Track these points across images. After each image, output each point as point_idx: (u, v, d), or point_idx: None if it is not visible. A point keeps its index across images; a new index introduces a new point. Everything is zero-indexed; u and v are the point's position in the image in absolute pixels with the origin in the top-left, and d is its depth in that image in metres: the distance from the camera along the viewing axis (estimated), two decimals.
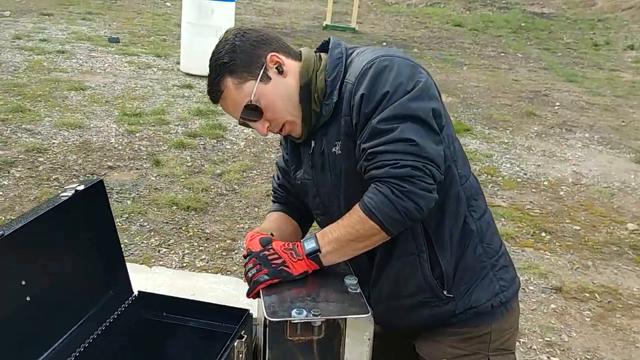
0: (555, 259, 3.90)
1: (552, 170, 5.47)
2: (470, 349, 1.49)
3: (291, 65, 1.41)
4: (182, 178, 4.64)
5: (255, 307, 1.36)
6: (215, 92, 1.41)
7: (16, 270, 1.04)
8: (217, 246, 3.72)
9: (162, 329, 1.29)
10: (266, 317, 1.23)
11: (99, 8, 11.85)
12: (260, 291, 1.31)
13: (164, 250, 3.63)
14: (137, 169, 4.73)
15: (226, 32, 1.43)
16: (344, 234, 1.32)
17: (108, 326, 1.21)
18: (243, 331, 1.19)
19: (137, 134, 5.41)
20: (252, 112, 1.39)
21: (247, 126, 1.45)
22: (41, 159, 4.70)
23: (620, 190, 5.15)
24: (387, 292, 1.48)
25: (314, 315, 1.24)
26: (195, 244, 3.74)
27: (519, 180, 5.16)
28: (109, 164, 4.73)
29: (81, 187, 1.15)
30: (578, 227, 4.37)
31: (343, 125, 1.37)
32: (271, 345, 1.26)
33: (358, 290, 1.35)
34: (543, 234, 4.22)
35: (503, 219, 4.35)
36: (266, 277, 1.33)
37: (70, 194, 1.12)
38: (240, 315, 1.21)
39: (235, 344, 1.15)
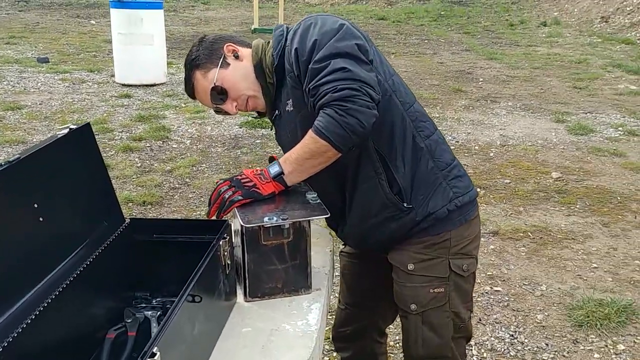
0: (491, 208, 4.26)
1: (481, 136, 5.89)
2: (432, 254, 1.69)
3: (245, 52, 1.68)
4: (133, 178, 4.77)
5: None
6: (189, 86, 1.70)
7: (27, 192, 1.23)
8: None
9: (152, 247, 1.48)
10: (243, 224, 1.45)
11: (21, 32, 11.69)
12: (235, 209, 1.53)
13: None
14: None
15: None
16: (301, 154, 1.55)
17: (104, 250, 1.38)
18: (225, 234, 1.40)
19: None
20: (218, 95, 1.64)
21: (220, 112, 1.70)
22: None
23: (544, 146, 5.61)
24: (358, 217, 1.69)
25: (282, 219, 1.47)
26: None
27: (452, 147, 5.49)
28: None
29: (74, 127, 1.34)
30: (508, 181, 4.76)
31: (289, 81, 1.60)
32: (249, 250, 1.48)
33: (318, 201, 1.58)
34: (478, 190, 4.57)
35: None
36: (240, 197, 1.54)
37: (65, 132, 1.32)
38: (221, 225, 1.43)
39: (221, 243, 1.37)
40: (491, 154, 5.39)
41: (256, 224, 1.46)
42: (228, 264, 1.41)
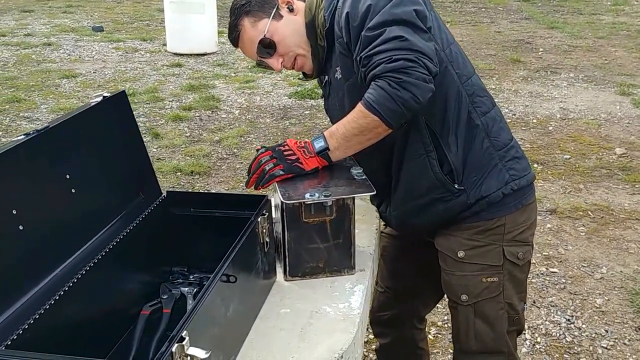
0: (548, 185, 4.06)
1: (540, 109, 5.62)
2: (485, 241, 1.56)
3: (300, 5, 1.54)
4: (182, 147, 4.77)
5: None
6: (233, 33, 1.56)
7: (58, 163, 1.18)
8: None
9: (190, 222, 1.42)
10: (283, 201, 1.37)
11: (77, 1, 11.84)
12: (275, 183, 1.45)
13: None
14: None
15: None
16: (349, 130, 1.43)
17: (139, 223, 1.33)
18: (264, 210, 1.33)
19: (134, 112, 5.50)
20: (266, 48, 1.52)
21: (263, 66, 1.57)
22: None
23: (607, 120, 5.30)
24: (403, 196, 1.57)
25: (325, 196, 1.38)
26: None
27: (508, 120, 5.27)
28: None
29: (108, 94, 1.29)
30: (568, 156, 4.52)
31: (338, 47, 1.48)
32: (289, 227, 1.40)
33: (363, 177, 1.48)
34: (535, 165, 4.37)
35: None
36: (281, 172, 1.45)
37: (99, 100, 1.26)
38: (260, 200, 1.35)
39: (259, 219, 1.29)
40: (550, 128, 5.13)
41: (297, 200, 1.37)
42: (267, 242, 1.34)
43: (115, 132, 1.33)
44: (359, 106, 1.40)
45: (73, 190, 1.20)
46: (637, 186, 4.03)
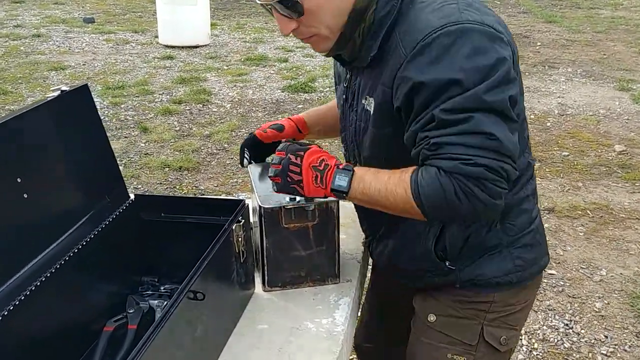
0: (546, 183, 3.96)
1: (538, 104, 5.51)
2: (463, 312, 1.31)
3: None
4: (171, 142, 4.65)
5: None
6: None
7: (7, 165, 1.06)
8: None
9: (160, 228, 1.31)
10: (260, 205, 1.26)
11: None
12: (253, 183, 1.33)
13: None
14: (125, 137, 4.72)
15: None
16: (381, 198, 1.16)
17: (104, 228, 1.22)
18: (240, 216, 1.21)
19: (122, 105, 5.38)
20: (290, 7, 1.13)
21: (268, 11, 1.18)
22: None
23: (606, 116, 5.20)
24: (391, 248, 1.36)
25: (306, 200, 1.27)
26: None
27: None
28: None
29: (67, 88, 1.16)
30: (567, 153, 4.42)
31: (379, 92, 1.17)
32: (268, 233, 1.29)
33: None
34: None
35: None
36: (275, 188, 1.21)
37: (56, 94, 1.14)
38: (236, 206, 1.24)
39: (234, 227, 1.18)
40: (548, 124, 5.03)
41: (276, 205, 1.26)
42: (243, 252, 1.23)
43: (76, 131, 1.20)
44: (407, 185, 1.11)
45: (25, 195, 1.08)
46: (637, 184, 3.93)
